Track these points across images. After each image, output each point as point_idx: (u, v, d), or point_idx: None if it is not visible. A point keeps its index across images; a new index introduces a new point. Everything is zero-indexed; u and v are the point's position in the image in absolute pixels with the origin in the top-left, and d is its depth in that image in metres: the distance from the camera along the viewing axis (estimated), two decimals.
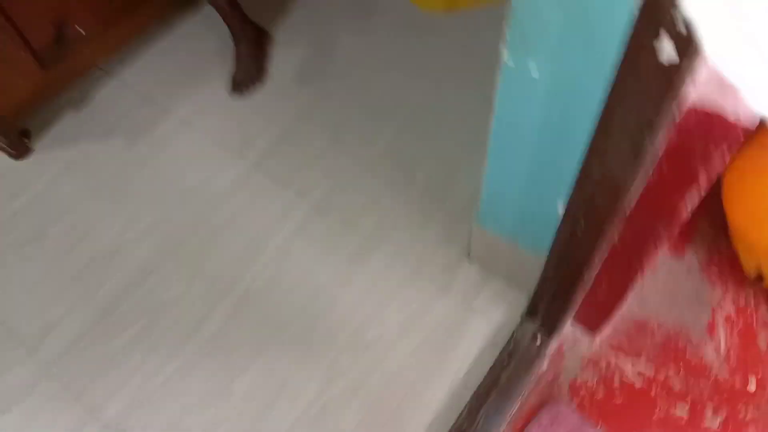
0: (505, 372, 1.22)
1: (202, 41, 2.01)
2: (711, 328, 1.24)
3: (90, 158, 1.78)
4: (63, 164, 1.77)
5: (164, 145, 1.78)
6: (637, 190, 0.81)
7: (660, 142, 0.71)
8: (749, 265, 1.22)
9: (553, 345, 1.25)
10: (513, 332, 1.28)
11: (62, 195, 1.71)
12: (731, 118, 0.72)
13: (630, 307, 1.29)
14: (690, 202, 0.83)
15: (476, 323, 1.34)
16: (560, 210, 1.06)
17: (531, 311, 1.24)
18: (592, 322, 1.23)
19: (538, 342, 1.25)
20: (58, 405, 1.34)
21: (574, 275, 1.03)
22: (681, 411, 1.16)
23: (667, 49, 0.57)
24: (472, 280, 1.40)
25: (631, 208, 0.84)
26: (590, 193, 0.85)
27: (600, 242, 0.92)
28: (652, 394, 1.17)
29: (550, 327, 1.23)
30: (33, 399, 1.36)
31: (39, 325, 1.47)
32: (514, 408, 1.17)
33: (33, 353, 1.43)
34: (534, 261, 1.23)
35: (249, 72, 1.87)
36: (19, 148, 1.80)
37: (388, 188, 1.59)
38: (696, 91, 0.61)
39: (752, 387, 1.15)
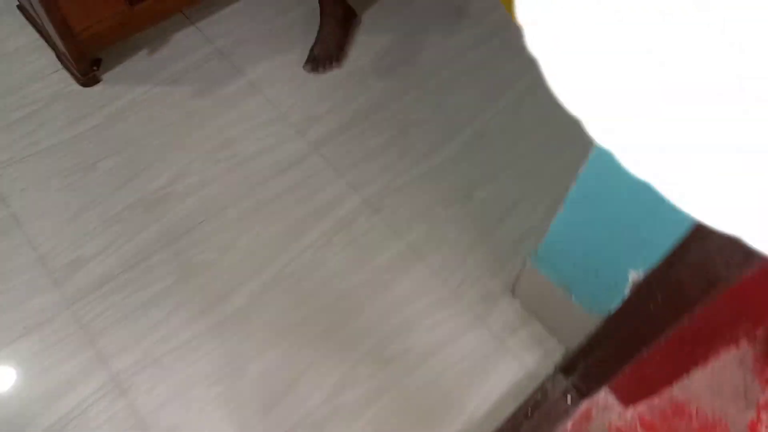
0: (527, 422, 1.16)
1: (288, 7, 1.96)
2: (753, 429, 1.15)
3: (154, 101, 1.75)
4: (126, 101, 1.76)
5: (229, 104, 1.75)
6: (734, 284, 0.73)
7: None
8: None
9: (583, 406, 1.18)
10: (543, 383, 1.21)
11: (119, 131, 1.69)
12: None
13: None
14: None
15: (507, 363, 1.28)
16: (631, 277, 0.99)
17: (568, 367, 1.18)
18: (631, 395, 1.15)
19: (568, 400, 1.18)
20: (71, 344, 1.33)
21: (630, 347, 0.96)
22: None
23: None
24: (512, 318, 1.33)
25: (721, 298, 0.77)
26: (679, 275, 0.77)
27: (673, 324, 0.84)
28: None
29: (585, 389, 1.16)
30: (48, 331, 1.35)
31: (69, 259, 1.46)
32: None
33: (58, 285, 1.42)
34: (584, 316, 1.16)
35: (329, 50, 1.82)
36: (88, 76, 1.79)
37: (443, 200, 1.53)
38: None
39: None
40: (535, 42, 0.29)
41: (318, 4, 1.84)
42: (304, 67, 1.81)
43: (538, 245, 1.18)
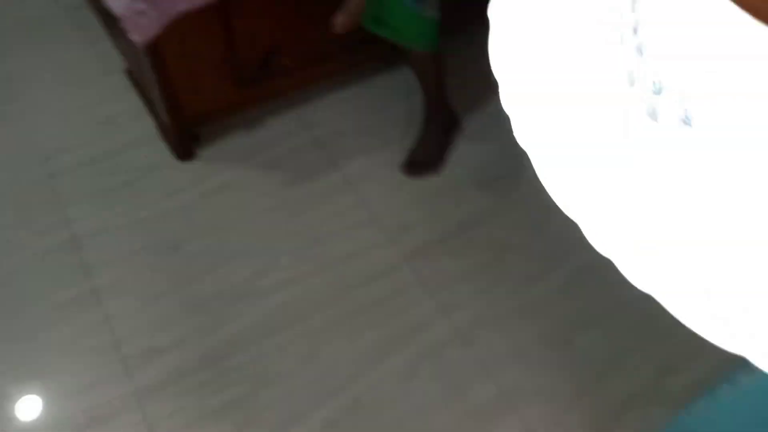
0: None
1: (390, 104, 1.93)
2: None
3: (246, 185, 1.72)
4: (220, 181, 1.73)
5: (321, 199, 1.70)
6: None
7: None
8: None
9: None
10: None
11: (210, 213, 1.66)
12: None
13: None
14: None
15: None
16: None
17: None
18: None
19: None
20: None
21: None
22: None
23: None
24: None
25: None
26: None
27: None
28: None
29: None
30: (114, 426, 1.29)
31: (145, 347, 1.40)
32: None
33: (130, 375, 1.36)
34: None
35: (428, 155, 1.78)
36: (185, 151, 1.78)
37: (541, 341, 1.43)
38: None
39: None
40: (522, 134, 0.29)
41: (422, 105, 1.81)
42: (401, 169, 1.77)
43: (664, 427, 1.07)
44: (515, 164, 1.79)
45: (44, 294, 1.49)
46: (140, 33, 1.35)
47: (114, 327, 1.44)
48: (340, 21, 1.42)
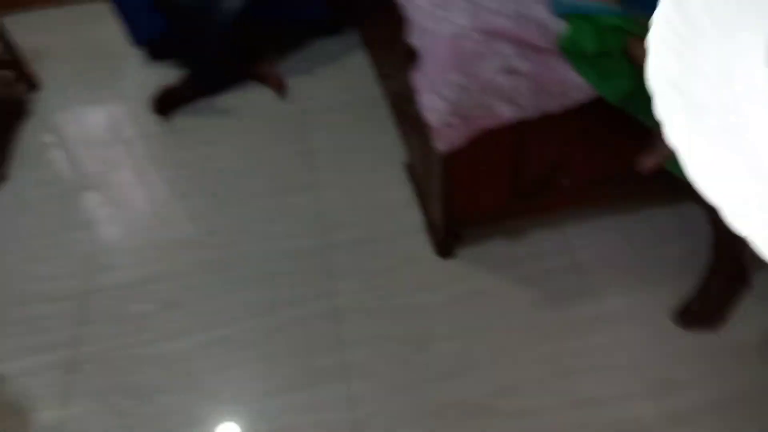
0: None
1: (666, 241, 1.79)
2: None
3: (499, 297, 1.70)
4: (473, 286, 1.74)
5: (575, 330, 1.61)
6: None
7: None
8: None
9: None
10: None
11: (460, 317, 1.67)
12: None
13: None
14: None
15: None
16: None
17: None
18: None
19: None
20: None
21: None
22: None
23: None
24: None
25: None
26: None
27: None
28: None
29: None
30: None
31: None
32: None
33: None
34: None
35: (708, 308, 1.59)
36: (447, 249, 1.83)
37: None
38: None
39: None
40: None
41: (709, 251, 1.63)
42: (672, 317, 1.60)
43: None
44: None
45: (298, 355, 1.61)
46: (445, 142, 1.44)
47: (354, 407, 1.48)
48: (650, 162, 1.36)
